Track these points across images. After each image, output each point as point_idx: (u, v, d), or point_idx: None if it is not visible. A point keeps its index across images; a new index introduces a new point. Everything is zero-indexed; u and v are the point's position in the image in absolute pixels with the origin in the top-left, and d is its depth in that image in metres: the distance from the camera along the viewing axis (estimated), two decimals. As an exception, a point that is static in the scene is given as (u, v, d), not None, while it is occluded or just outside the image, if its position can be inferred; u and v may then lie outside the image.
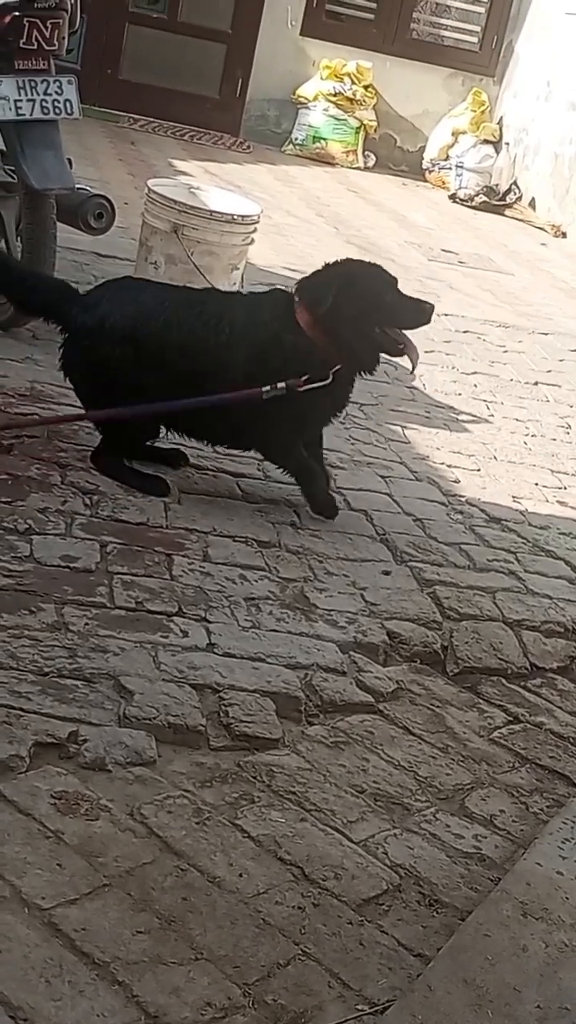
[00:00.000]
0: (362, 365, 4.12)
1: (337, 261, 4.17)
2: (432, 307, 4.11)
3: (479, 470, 4.99)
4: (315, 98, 10.85)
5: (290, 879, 2.53)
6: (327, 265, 4.13)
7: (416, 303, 4.10)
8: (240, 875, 2.50)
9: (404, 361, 4.14)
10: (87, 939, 2.23)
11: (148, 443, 4.21)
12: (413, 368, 4.13)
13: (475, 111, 11.07)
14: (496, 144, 11.10)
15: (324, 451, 4.35)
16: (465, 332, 6.83)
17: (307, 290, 4.03)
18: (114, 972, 2.18)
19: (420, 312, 4.10)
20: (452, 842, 2.79)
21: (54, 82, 4.68)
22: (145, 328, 3.96)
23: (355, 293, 3.97)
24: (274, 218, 8.00)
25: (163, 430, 4.17)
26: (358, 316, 3.97)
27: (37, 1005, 2.08)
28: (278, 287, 4.18)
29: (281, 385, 3.89)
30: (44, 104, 4.66)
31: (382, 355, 4.12)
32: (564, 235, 10.08)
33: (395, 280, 4.10)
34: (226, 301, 4.19)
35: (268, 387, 3.89)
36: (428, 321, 4.14)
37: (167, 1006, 2.14)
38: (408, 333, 4.08)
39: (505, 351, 6.72)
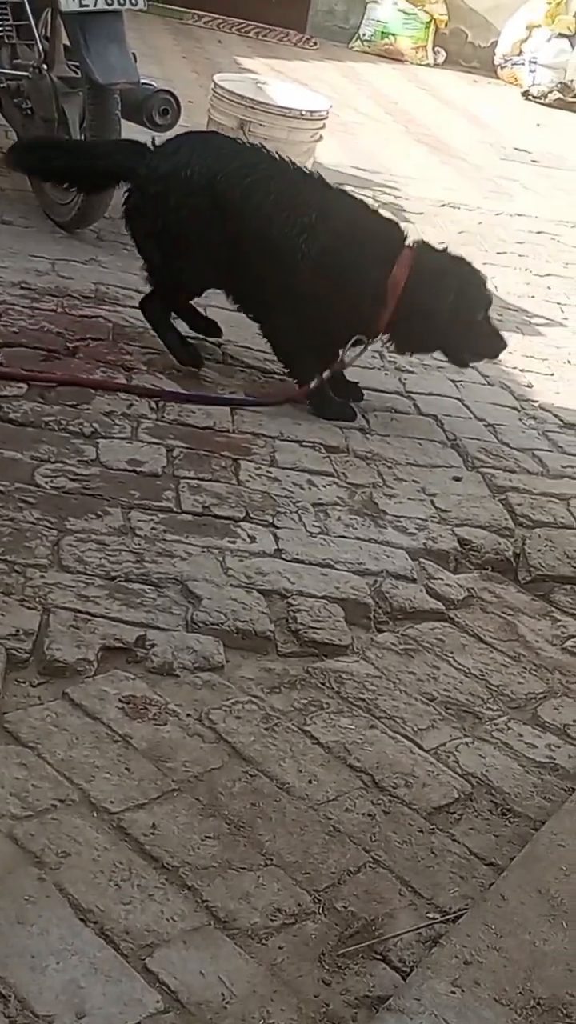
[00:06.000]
0: (404, 349, 4.10)
1: (460, 258, 4.01)
2: (505, 346, 4.11)
3: (552, 375, 4.87)
4: (384, -9, 10.50)
5: (360, 786, 2.51)
6: (449, 256, 3.98)
7: (496, 336, 4.07)
8: (309, 781, 2.48)
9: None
10: (156, 843, 2.22)
11: (191, 306, 4.22)
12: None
13: (551, 3, 10.64)
14: (572, 38, 10.67)
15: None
16: (538, 233, 6.64)
17: (428, 264, 3.90)
18: (183, 876, 2.17)
19: (493, 347, 4.09)
20: (525, 751, 2.74)
21: (118, -29, 4.54)
22: (225, 184, 3.83)
23: (457, 305, 3.91)
24: (341, 116, 7.79)
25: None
26: (444, 327, 3.94)
27: (107, 908, 2.07)
28: (396, 221, 4.09)
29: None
30: (108, -6, 4.52)
31: None
32: None
33: (491, 302, 4.06)
34: (332, 196, 3.98)
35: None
36: (494, 358, 4.22)
37: (237, 911, 2.13)
38: None
39: (580, 252, 6.53)
